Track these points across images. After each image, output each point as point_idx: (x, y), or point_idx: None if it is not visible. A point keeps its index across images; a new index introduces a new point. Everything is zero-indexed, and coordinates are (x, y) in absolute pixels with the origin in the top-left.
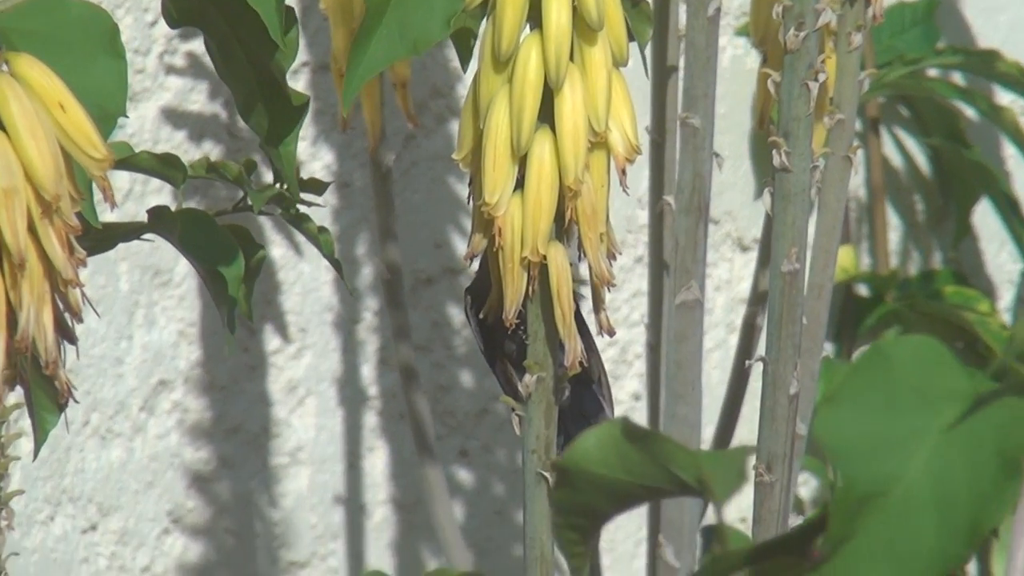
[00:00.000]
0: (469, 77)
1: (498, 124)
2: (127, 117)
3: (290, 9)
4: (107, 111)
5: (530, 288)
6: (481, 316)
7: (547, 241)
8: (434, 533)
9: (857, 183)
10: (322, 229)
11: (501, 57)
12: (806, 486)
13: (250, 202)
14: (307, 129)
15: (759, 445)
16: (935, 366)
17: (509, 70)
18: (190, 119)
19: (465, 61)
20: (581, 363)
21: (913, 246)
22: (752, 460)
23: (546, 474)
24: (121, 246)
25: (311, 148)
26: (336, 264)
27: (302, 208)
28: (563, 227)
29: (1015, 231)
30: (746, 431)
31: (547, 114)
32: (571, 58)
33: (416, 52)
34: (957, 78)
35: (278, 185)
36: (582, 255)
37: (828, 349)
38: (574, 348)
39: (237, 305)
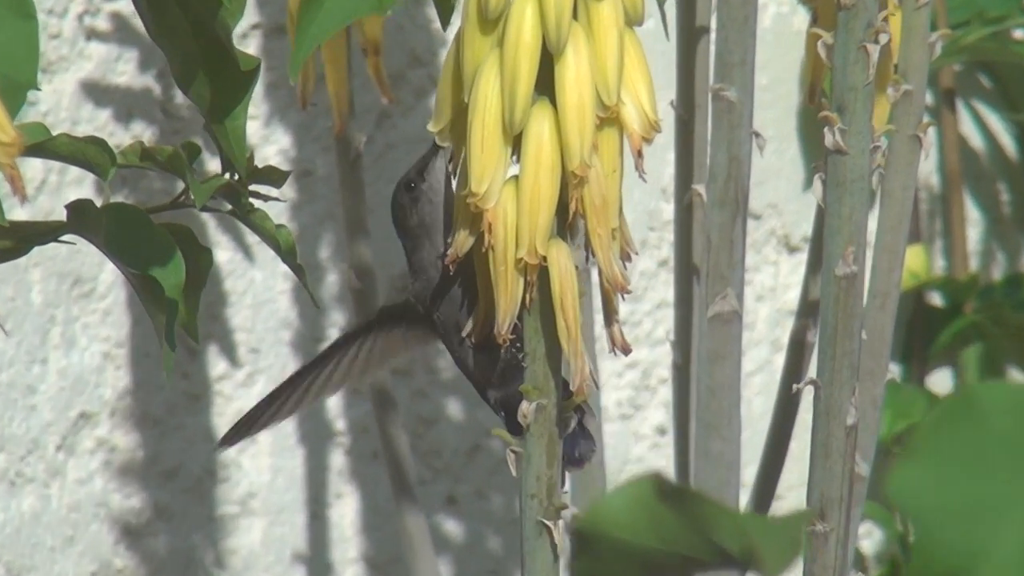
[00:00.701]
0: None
1: (487, 97)
2: (39, 90)
3: None
4: (14, 81)
5: (527, 296)
6: (464, 334)
7: (547, 239)
8: None
9: (929, 168)
10: (279, 226)
11: (489, 14)
12: (869, 538)
13: (192, 196)
14: (258, 106)
15: (810, 487)
16: None
17: (499, 30)
18: (116, 94)
19: (446, 19)
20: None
21: (997, 245)
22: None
23: (549, 523)
24: (33, 250)
25: (264, 129)
26: (297, 270)
27: (255, 203)
28: (567, 222)
29: None
30: (796, 472)
31: (546, 84)
32: (575, 15)
33: (381, 9)
34: None
35: (226, 175)
36: (590, 256)
37: (894, 371)
38: (581, 369)
39: (176, 320)
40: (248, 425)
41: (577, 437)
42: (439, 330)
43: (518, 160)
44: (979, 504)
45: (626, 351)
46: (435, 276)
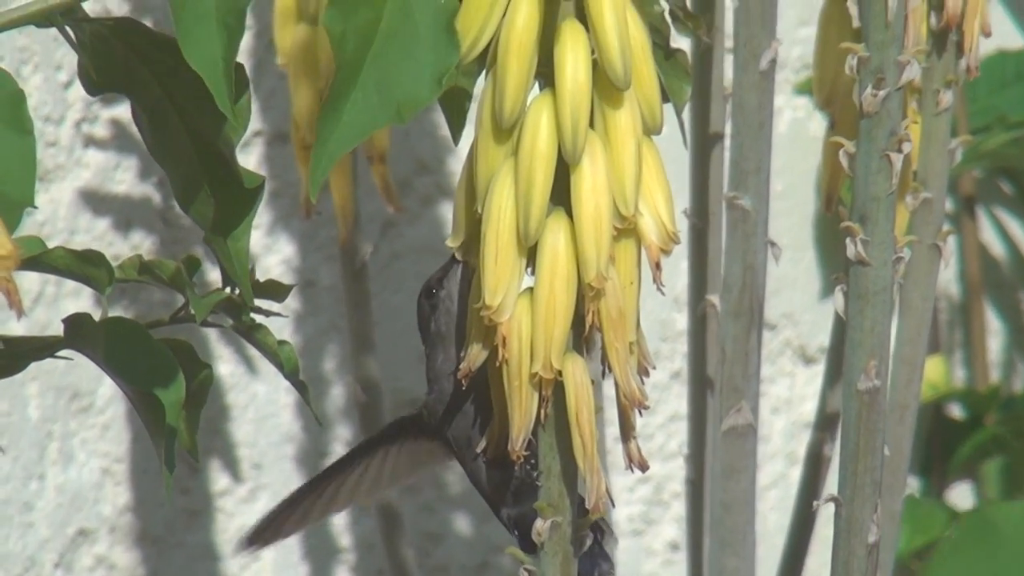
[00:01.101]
0: (463, 149)
1: (501, 207)
2: (36, 208)
3: (240, 68)
4: (10, 200)
5: (542, 412)
6: (479, 450)
7: (563, 353)
8: None
9: (948, 277)
10: (282, 343)
11: (504, 123)
12: None
13: (192, 310)
14: (261, 215)
15: None
16: None
17: (514, 140)
18: (115, 203)
19: (457, 129)
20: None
21: (1019, 356)
22: None
23: None
24: (31, 364)
25: (266, 238)
26: (300, 385)
27: (257, 318)
28: (583, 335)
29: None
30: None
31: (562, 194)
32: (591, 124)
33: (401, 120)
34: None
35: (226, 289)
36: (607, 370)
37: (913, 485)
38: (598, 486)
39: (177, 437)
40: (261, 534)
41: (596, 557)
42: (451, 445)
43: (533, 272)
44: None
45: (643, 468)
46: (448, 388)
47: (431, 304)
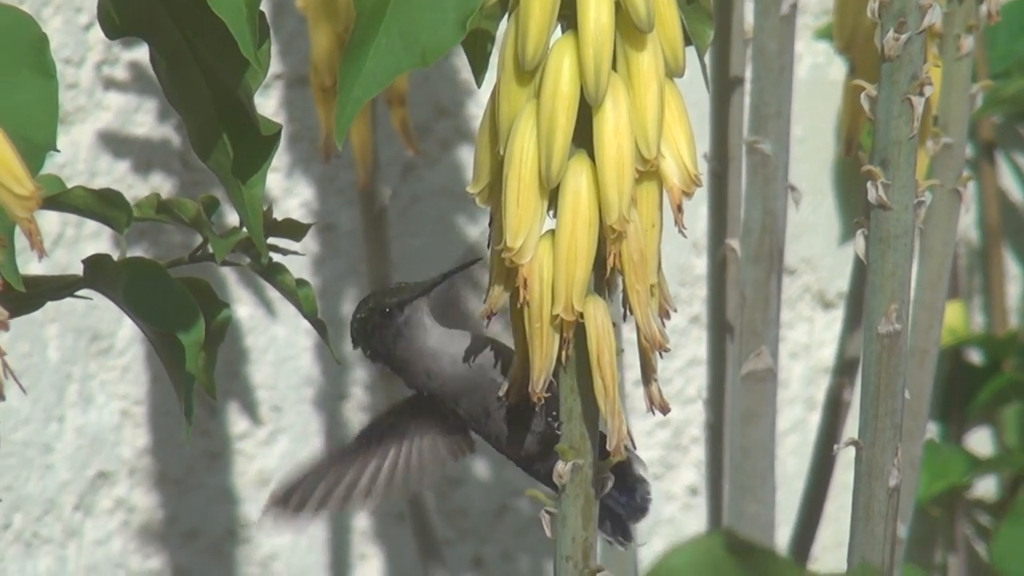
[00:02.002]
0: (482, 93)
1: (523, 150)
2: (58, 151)
3: (261, 15)
4: (33, 143)
5: (563, 354)
6: (502, 394)
7: (584, 295)
8: None
9: (968, 222)
10: (301, 283)
11: (526, 65)
12: None
13: (211, 250)
14: (280, 158)
15: (851, 551)
16: None
17: (536, 82)
18: (135, 145)
19: (480, 72)
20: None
21: None
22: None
23: None
24: (50, 305)
25: (286, 181)
26: (319, 326)
27: (276, 257)
28: (604, 278)
29: None
30: (830, 533)
31: (584, 137)
32: (614, 67)
33: (425, 63)
34: None
35: (244, 228)
36: (627, 313)
37: (932, 430)
38: (619, 428)
39: (196, 378)
40: (291, 495)
41: (635, 484)
42: (468, 421)
43: (554, 215)
44: None
45: (664, 410)
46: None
47: (390, 326)
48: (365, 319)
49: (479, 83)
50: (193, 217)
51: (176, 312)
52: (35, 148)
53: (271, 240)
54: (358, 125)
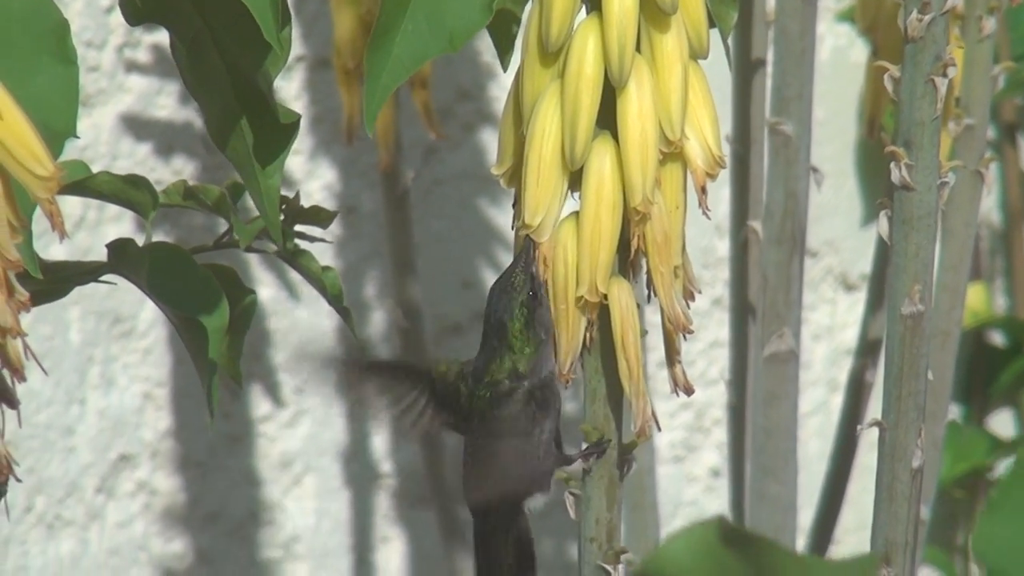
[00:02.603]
0: (505, 76)
1: (546, 130)
2: (78, 138)
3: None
4: (52, 130)
5: (588, 335)
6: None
7: (608, 277)
8: None
9: (990, 204)
10: (326, 268)
11: (550, 47)
12: None
13: (236, 236)
14: (303, 140)
15: (874, 532)
16: None
17: (560, 63)
18: (156, 128)
19: (505, 54)
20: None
21: None
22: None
23: (609, 568)
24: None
25: (308, 164)
26: (343, 311)
27: (301, 243)
28: (628, 259)
29: None
30: (852, 515)
31: (608, 118)
32: (638, 48)
33: (453, 47)
34: None
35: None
36: (651, 294)
37: (954, 412)
38: (643, 410)
39: (218, 364)
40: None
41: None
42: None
43: (579, 196)
44: None
45: (688, 392)
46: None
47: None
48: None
49: (505, 66)
50: (218, 203)
51: (200, 297)
52: (54, 135)
53: (297, 227)
54: (381, 108)
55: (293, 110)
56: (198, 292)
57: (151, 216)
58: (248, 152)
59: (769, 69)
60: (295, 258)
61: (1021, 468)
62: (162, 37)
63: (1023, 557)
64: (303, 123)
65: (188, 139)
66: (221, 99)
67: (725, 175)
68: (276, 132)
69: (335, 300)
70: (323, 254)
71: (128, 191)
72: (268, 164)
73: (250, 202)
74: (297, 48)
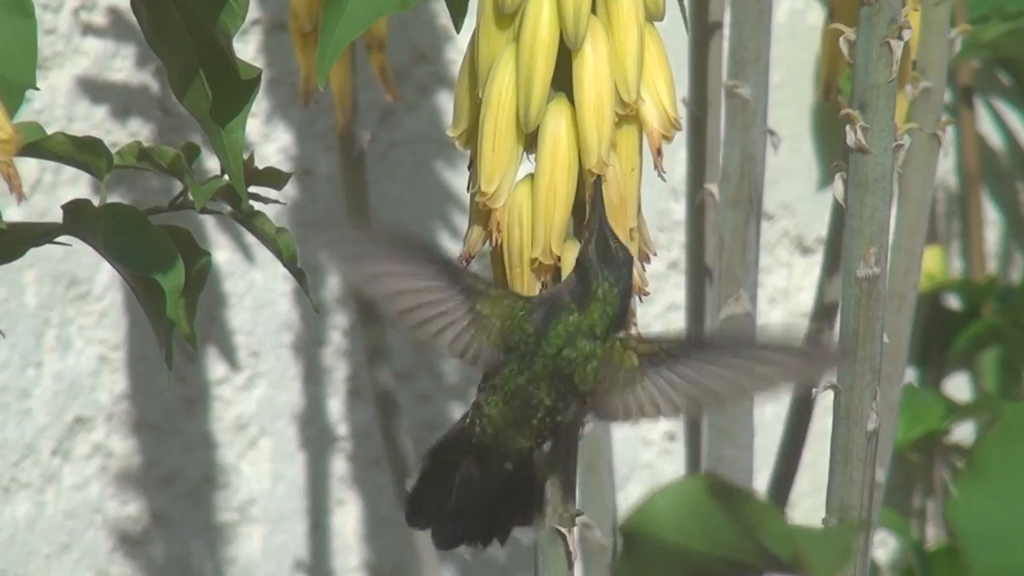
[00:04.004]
0: (460, 39)
1: (501, 93)
2: (38, 90)
3: None
4: (11, 82)
5: None
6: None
7: (563, 239)
8: None
9: (946, 168)
10: (280, 230)
11: (506, 8)
12: (883, 547)
13: (191, 197)
14: (259, 103)
15: (829, 495)
16: None
17: (516, 25)
18: (113, 91)
19: (459, 16)
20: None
21: (1016, 246)
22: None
23: (563, 531)
24: (28, 251)
25: (264, 127)
26: (297, 273)
27: (256, 205)
28: (583, 222)
29: None
30: (807, 479)
31: (563, 80)
32: (593, 9)
33: (405, 6)
34: None
35: (225, 176)
36: None
37: (910, 375)
38: None
39: (175, 324)
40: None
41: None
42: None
43: (533, 159)
44: None
45: None
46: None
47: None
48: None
49: (458, 28)
50: (173, 165)
51: (156, 258)
52: (13, 87)
53: (252, 189)
54: (338, 69)
55: (253, 65)
56: (154, 253)
57: (106, 178)
58: (210, 108)
59: (726, 32)
60: (250, 220)
61: (1002, 433)
62: (117, 1)
63: (1001, 527)
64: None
65: (144, 102)
66: (182, 56)
67: (681, 138)
68: (237, 88)
69: (289, 262)
70: (279, 217)
71: (83, 153)
72: (230, 120)
73: (206, 164)
74: (253, 11)
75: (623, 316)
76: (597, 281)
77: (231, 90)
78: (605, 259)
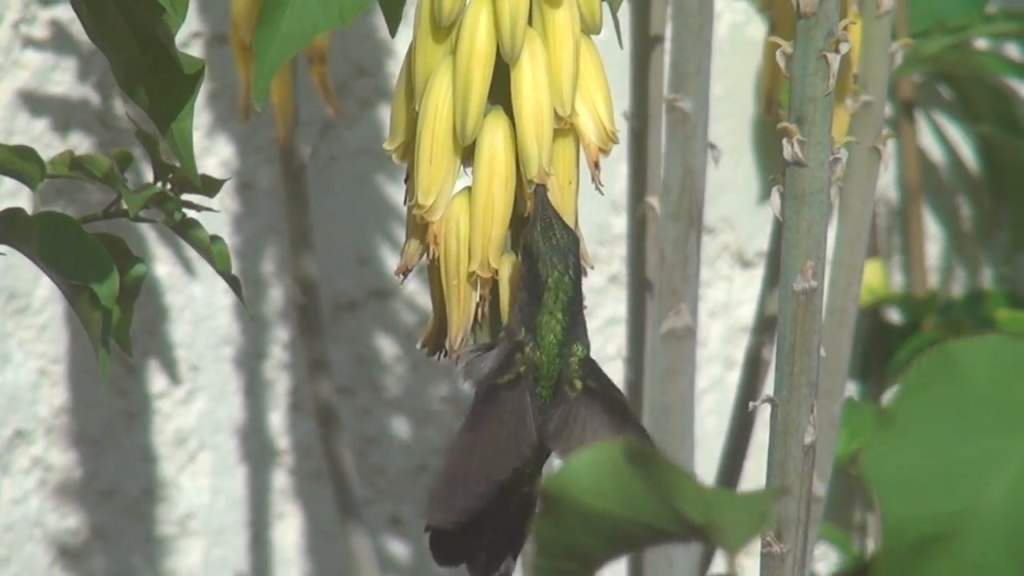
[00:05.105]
0: (401, 52)
1: (438, 106)
2: None
3: None
4: None
5: (480, 311)
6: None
7: (500, 253)
8: None
9: (887, 182)
10: (215, 238)
11: (442, 22)
12: (824, 561)
13: (125, 205)
14: (200, 116)
15: None
16: (1017, 374)
17: (452, 38)
18: (53, 104)
19: (393, 24)
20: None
21: (957, 260)
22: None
23: None
24: None
25: (205, 140)
26: (234, 282)
27: (193, 215)
28: (520, 235)
29: None
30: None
31: (500, 94)
32: (530, 22)
33: (343, 22)
34: (1012, 51)
35: (158, 184)
36: None
37: (851, 389)
38: None
39: (110, 332)
40: None
41: (548, 407)
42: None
43: (470, 171)
44: (963, 464)
45: None
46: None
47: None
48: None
49: (393, 34)
50: (106, 172)
51: (90, 266)
52: None
53: (186, 197)
54: (278, 82)
55: (197, 58)
56: (87, 261)
57: (39, 187)
58: (156, 101)
59: (667, 45)
60: (184, 228)
61: (913, 383)
62: (59, 12)
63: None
64: (199, 99)
65: (85, 116)
66: (126, 52)
67: (622, 151)
68: (181, 82)
69: (223, 270)
70: (220, 230)
71: (15, 161)
72: (176, 112)
73: (143, 176)
74: (194, 24)
75: (580, 300)
76: (547, 270)
77: (175, 84)
78: (551, 245)
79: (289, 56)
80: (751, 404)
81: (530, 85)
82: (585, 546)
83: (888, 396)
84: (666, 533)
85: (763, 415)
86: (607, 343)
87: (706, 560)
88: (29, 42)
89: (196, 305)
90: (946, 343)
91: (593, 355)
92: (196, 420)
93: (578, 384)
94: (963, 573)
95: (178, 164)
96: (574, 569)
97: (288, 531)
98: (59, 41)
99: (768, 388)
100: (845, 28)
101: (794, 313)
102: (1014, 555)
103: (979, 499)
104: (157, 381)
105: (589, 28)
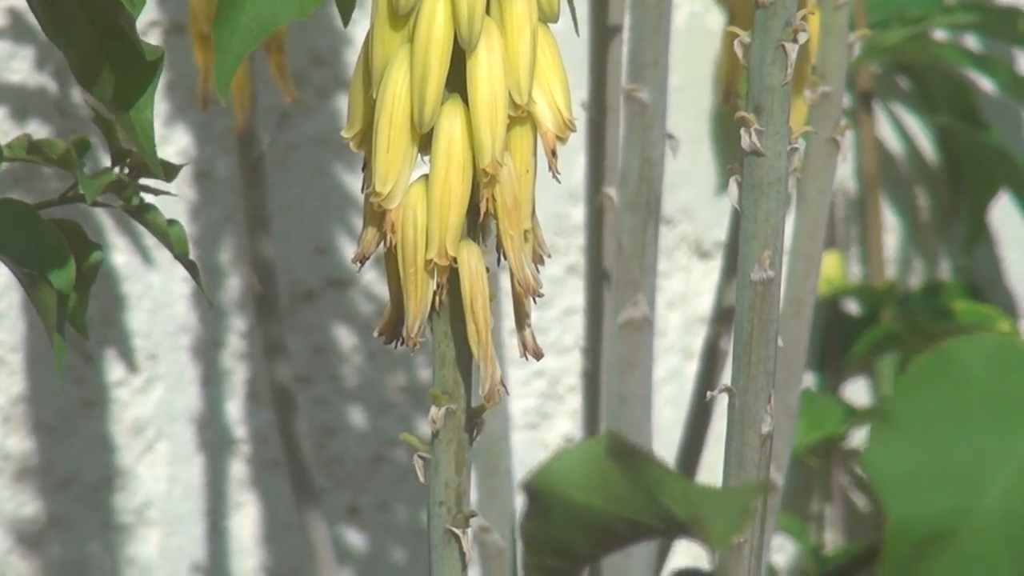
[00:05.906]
0: (359, 41)
1: (395, 95)
2: None
3: None
4: None
5: (437, 299)
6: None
7: (458, 240)
8: None
9: (845, 172)
10: (172, 222)
11: (400, 9)
12: (781, 552)
13: (82, 190)
14: (158, 105)
15: None
16: (1015, 372)
17: (410, 26)
18: (10, 93)
19: (346, 13)
20: None
21: (915, 252)
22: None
23: (457, 532)
24: None
25: (163, 129)
26: (191, 267)
27: (150, 200)
28: (478, 222)
29: None
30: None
31: (458, 82)
32: (487, 11)
33: (304, 13)
34: (971, 42)
35: (115, 169)
36: (501, 258)
37: (809, 380)
38: (492, 373)
39: (67, 320)
40: None
41: None
42: None
43: (427, 159)
44: (962, 463)
45: (538, 356)
46: None
47: None
48: None
49: (346, 24)
50: (63, 156)
51: (46, 252)
52: None
53: (143, 181)
54: (237, 72)
55: (157, 45)
56: (43, 247)
57: None
58: (115, 91)
59: (626, 36)
60: (141, 212)
61: (910, 382)
62: (15, 1)
63: (916, 475)
64: (159, 88)
65: (43, 104)
66: (83, 41)
67: (580, 141)
68: (142, 69)
69: (181, 255)
70: (178, 218)
71: None
72: (136, 100)
73: (100, 162)
74: (152, 13)
75: None
76: None
77: (136, 71)
78: None
79: (251, 48)
80: (708, 394)
81: (485, 74)
82: (572, 543)
83: (847, 387)
84: (651, 529)
85: (721, 405)
86: (564, 333)
87: (662, 554)
88: None
89: (154, 293)
90: (945, 343)
91: (551, 345)
92: (154, 409)
93: None
94: (963, 571)
95: (135, 149)
96: (562, 567)
97: (245, 520)
98: (16, 30)
99: (726, 378)
100: (803, 18)
101: (752, 303)
102: (1013, 553)
103: (979, 498)
104: (115, 370)
105: (547, 17)
